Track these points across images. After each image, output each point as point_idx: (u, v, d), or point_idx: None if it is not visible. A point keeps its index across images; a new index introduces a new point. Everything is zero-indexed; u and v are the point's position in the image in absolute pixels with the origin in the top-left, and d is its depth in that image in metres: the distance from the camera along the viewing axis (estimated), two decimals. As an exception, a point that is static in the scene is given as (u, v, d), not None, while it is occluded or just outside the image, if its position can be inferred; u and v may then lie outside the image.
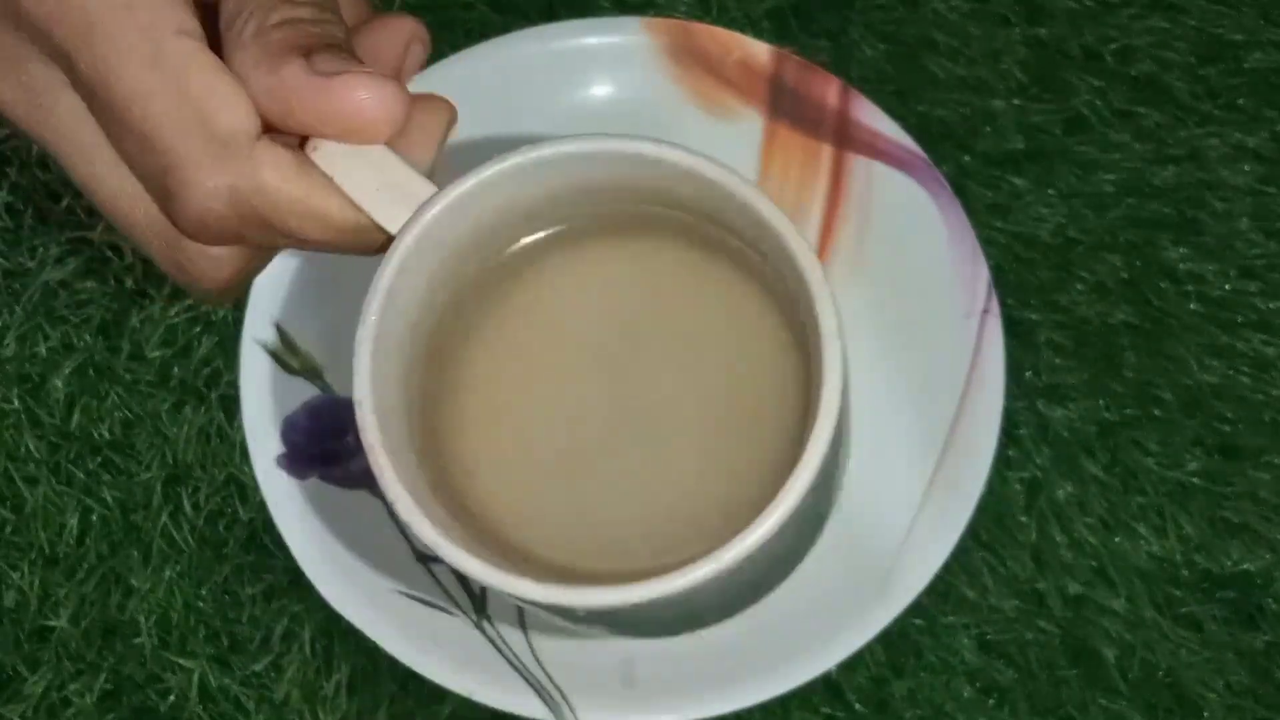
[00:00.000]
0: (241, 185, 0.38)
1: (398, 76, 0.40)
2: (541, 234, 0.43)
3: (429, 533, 0.39)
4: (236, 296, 0.44)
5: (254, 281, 0.57)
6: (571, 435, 0.42)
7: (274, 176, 0.38)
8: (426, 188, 0.40)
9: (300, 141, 0.39)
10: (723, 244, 0.41)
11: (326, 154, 0.38)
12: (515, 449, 0.42)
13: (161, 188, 0.38)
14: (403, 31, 0.42)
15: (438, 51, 0.63)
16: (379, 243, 0.41)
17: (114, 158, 0.39)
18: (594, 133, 0.40)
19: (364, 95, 0.37)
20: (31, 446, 0.60)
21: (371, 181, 0.38)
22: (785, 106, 0.60)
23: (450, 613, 0.55)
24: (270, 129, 0.39)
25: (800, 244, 0.38)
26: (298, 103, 0.37)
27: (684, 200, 0.40)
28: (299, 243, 0.40)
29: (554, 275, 0.44)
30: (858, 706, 0.58)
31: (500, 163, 0.40)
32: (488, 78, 0.59)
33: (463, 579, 0.56)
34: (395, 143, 0.39)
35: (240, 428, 0.59)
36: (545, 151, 0.40)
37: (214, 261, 0.41)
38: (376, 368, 0.41)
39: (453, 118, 0.41)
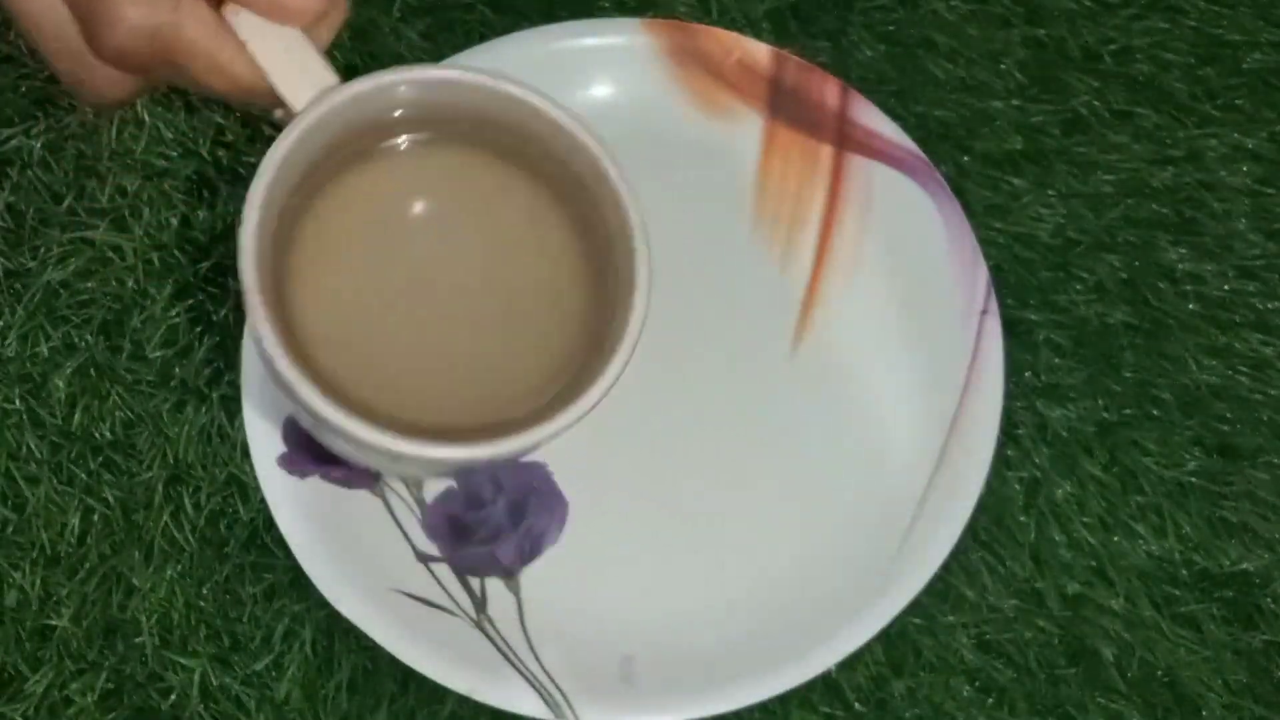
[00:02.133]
0: (164, 30, 0.42)
1: None
2: (400, 139, 0.49)
3: (287, 370, 0.44)
4: (123, 108, 0.48)
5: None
6: (395, 304, 0.48)
7: (195, 29, 0.42)
8: (329, 75, 0.45)
9: (218, 1, 0.43)
10: (535, 165, 0.48)
11: (244, 21, 0.44)
12: (349, 314, 0.48)
13: (90, 16, 0.42)
14: None
15: (439, 53, 0.63)
16: (266, 104, 0.45)
17: None
18: (460, 66, 0.47)
19: None
20: (33, 446, 0.60)
21: (281, 56, 0.44)
22: (785, 107, 0.60)
23: (450, 612, 0.55)
24: None
25: (624, 188, 0.46)
26: None
27: (526, 132, 0.47)
28: (199, 87, 0.44)
29: (399, 173, 0.49)
30: (857, 705, 0.58)
31: (393, 73, 0.46)
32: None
33: (464, 579, 0.56)
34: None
35: (241, 427, 0.59)
36: (427, 73, 0.47)
37: (111, 81, 0.44)
38: (261, 221, 0.45)
39: (344, 11, 0.46)
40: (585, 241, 0.49)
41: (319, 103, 0.45)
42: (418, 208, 0.49)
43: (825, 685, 0.58)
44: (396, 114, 0.47)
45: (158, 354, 0.61)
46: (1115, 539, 0.60)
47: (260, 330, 0.44)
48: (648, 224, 0.46)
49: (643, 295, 0.46)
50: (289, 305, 0.48)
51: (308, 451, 0.56)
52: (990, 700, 0.59)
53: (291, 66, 0.44)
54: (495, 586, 0.56)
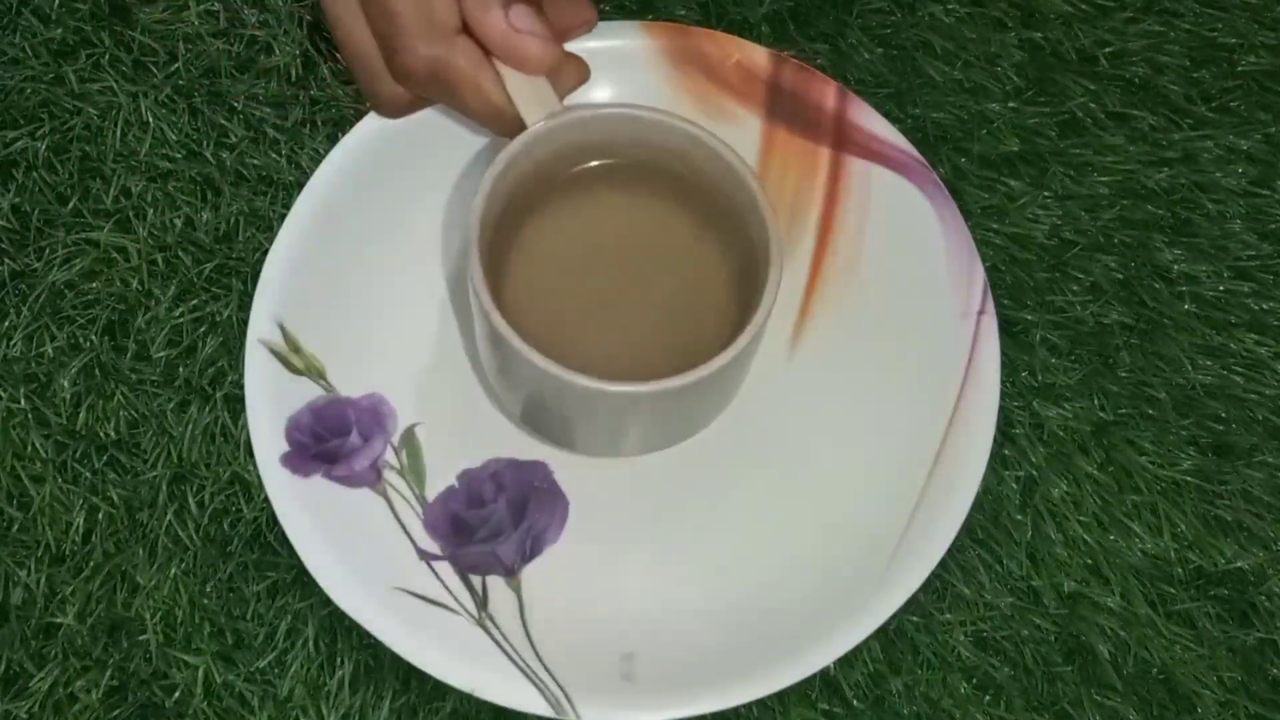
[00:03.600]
0: (440, 59, 0.54)
1: (562, 38, 0.57)
2: (592, 164, 0.57)
3: (500, 322, 0.52)
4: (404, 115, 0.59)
5: (259, 283, 0.58)
6: (584, 296, 0.56)
7: (464, 61, 0.54)
8: (557, 103, 0.55)
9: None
10: (699, 196, 0.56)
11: (501, 64, 0.55)
12: (547, 302, 0.56)
13: (388, 44, 0.54)
14: (579, 16, 0.59)
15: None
16: (510, 130, 0.55)
17: (357, 9, 0.55)
18: (649, 106, 0.55)
19: (535, 49, 0.54)
20: (38, 445, 0.60)
21: (526, 90, 0.55)
22: (783, 109, 0.60)
23: (452, 610, 0.56)
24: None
25: (765, 204, 0.54)
26: (492, 40, 0.54)
27: (694, 162, 0.55)
28: (461, 108, 0.55)
29: (590, 198, 0.57)
30: (855, 703, 0.58)
31: (598, 109, 0.56)
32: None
33: (465, 578, 0.56)
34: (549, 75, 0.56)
35: (244, 426, 0.59)
36: (626, 110, 0.56)
37: (396, 95, 0.56)
38: (485, 211, 0.54)
39: (585, 76, 0.58)
40: (731, 258, 0.56)
41: (546, 120, 0.55)
42: (602, 234, 0.57)
43: (824, 682, 0.58)
44: (594, 141, 0.56)
45: (162, 354, 0.61)
46: (1111, 537, 0.61)
47: (476, 284, 0.53)
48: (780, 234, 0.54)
49: (775, 274, 0.53)
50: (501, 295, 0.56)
51: (310, 451, 0.57)
52: (987, 697, 0.59)
53: (532, 97, 0.55)
54: (497, 585, 0.57)
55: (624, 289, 0.56)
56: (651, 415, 0.55)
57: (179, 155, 0.64)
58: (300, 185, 0.60)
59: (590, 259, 0.57)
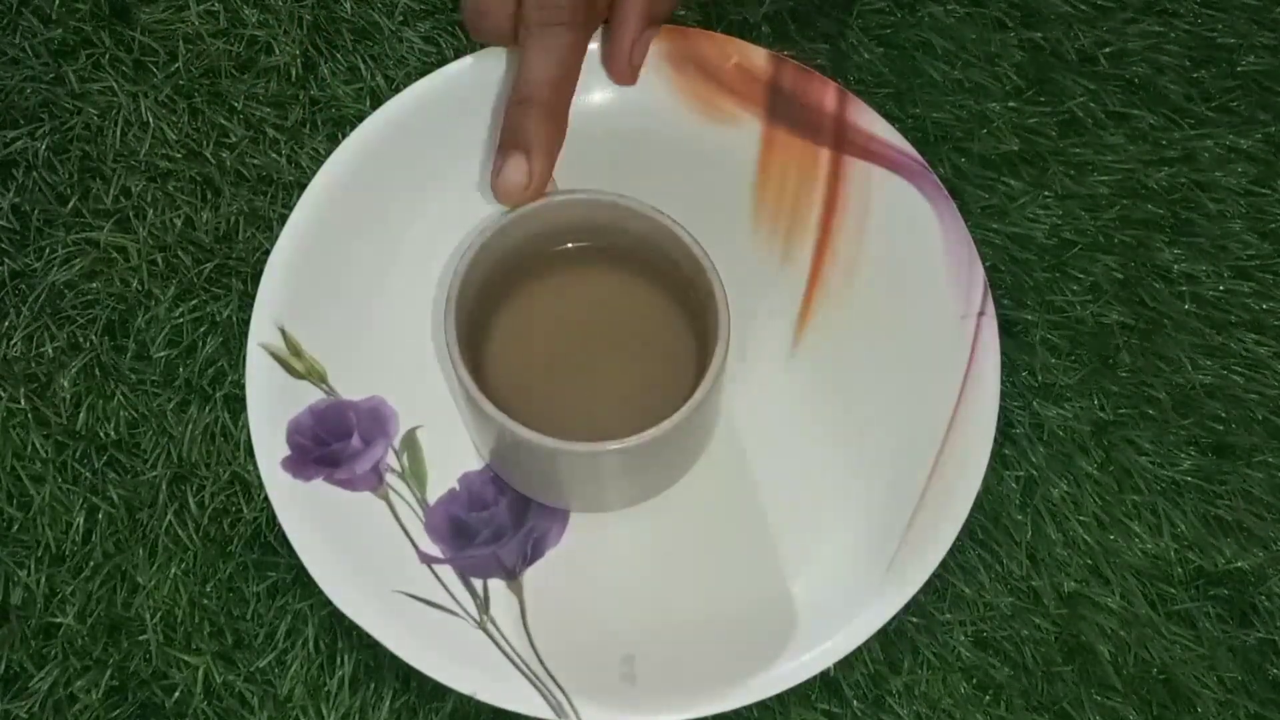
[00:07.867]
0: None
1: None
2: (563, 246, 0.59)
3: (469, 383, 0.54)
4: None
5: (260, 287, 0.58)
6: (553, 367, 0.58)
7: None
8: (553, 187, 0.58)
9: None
10: (659, 274, 0.58)
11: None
12: (520, 373, 0.58)
13: None
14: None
15: (441, 56, 0.64)
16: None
17: None
18: (607, 191, 0.57)
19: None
20: (38, 445, 0.60)
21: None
22: (783, 111, 0.60)
23: (454, 613, 0.56)
24: None
25: (716, 279, 0.56)
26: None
27: (659, 244, 0.57)
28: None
29: (559, 277, 0.59)
30: (855, 703, 0.59)
31: (563, 195, 0.57)
32: (494, 83, 0.60)
33: (467, 580, 0.56)
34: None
35: (244, 426, 0.59)
36: (583, 195, 0.57)
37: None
38: (461, 290, 0.55)
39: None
40: (691, 324, 0.58)
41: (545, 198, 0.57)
42: (576, 307, 0.59)
43: (824, 683, 0.59)
44: (568, 226, 0.58)
45: (162, 354, 0.61)
46: (1111, 537, 0.61)
47: (459, 371, 0.55)
48: (728, 302, 0.55)
49: (722, 347, 0.55)
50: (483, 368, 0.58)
51: (311, 455, 0.57)
52: (987, 697, 0.59)
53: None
54: (498, 587, 0.57)
55: (596, 359, 0.59)
56: (612, 472, 0.57)
57: (179, 155, 0.64)
58: (300, 185, 0.60)
59: (566, 331, 0.59)
